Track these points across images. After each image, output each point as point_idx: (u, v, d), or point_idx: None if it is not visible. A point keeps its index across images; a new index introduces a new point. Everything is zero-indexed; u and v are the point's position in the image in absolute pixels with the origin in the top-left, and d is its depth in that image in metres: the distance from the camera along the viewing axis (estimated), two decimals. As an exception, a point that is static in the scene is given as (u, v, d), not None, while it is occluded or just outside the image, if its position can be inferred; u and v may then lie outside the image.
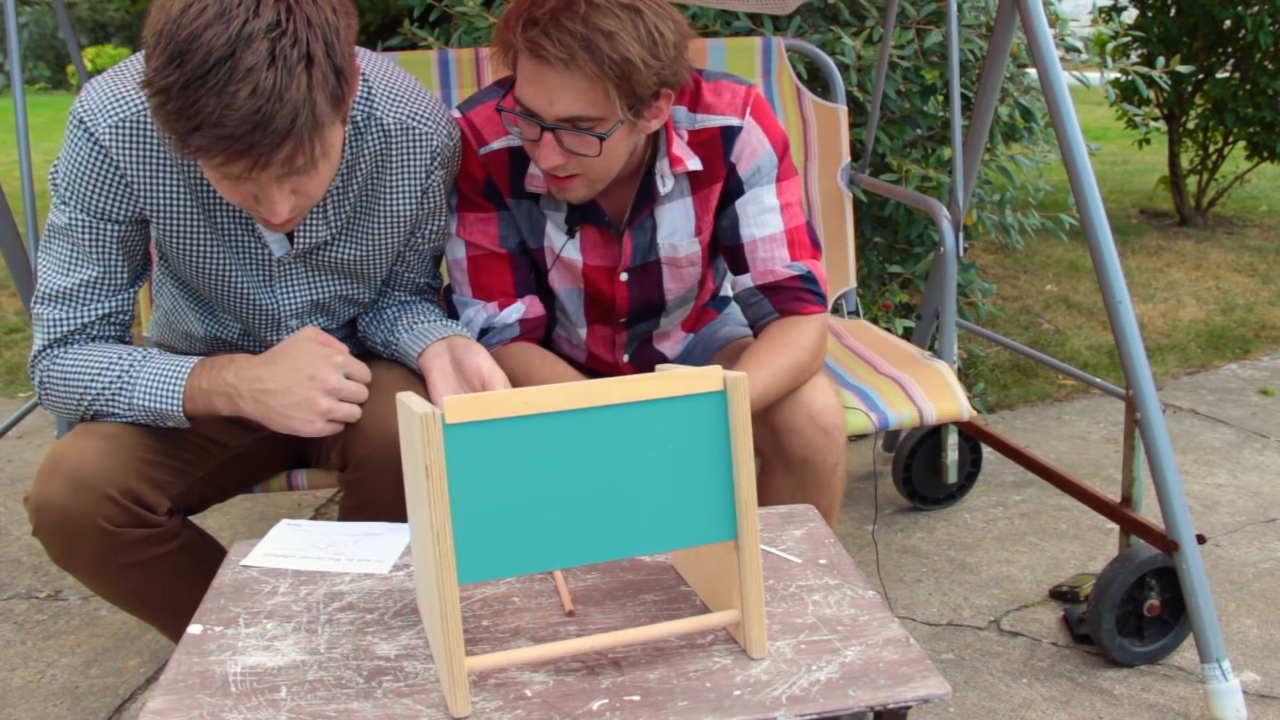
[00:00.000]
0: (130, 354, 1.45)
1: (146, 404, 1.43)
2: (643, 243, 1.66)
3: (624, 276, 1.68)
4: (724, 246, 1.68)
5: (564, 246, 1.65)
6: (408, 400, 1.02)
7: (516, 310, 1.65)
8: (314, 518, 2.65)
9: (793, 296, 1.62)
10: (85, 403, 1.45)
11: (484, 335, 1.65)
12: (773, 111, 1.64)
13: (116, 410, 1.44)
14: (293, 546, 1.29)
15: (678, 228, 1.66)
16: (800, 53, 2.52)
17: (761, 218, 1.62)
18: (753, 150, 1.61)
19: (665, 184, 1.60)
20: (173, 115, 1.18)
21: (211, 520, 2.56)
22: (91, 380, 1.44)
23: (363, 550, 1.28)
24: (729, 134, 1.60)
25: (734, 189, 1.63)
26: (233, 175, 1.25)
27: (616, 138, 1.46)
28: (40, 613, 2.19)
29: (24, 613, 2.19)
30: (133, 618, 2.11)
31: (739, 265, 1.65)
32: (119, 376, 1.44)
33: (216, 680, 1.03)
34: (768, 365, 1.55)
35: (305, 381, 1.41)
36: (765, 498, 1.64)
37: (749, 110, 1.60)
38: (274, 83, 1.16)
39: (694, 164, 1.59)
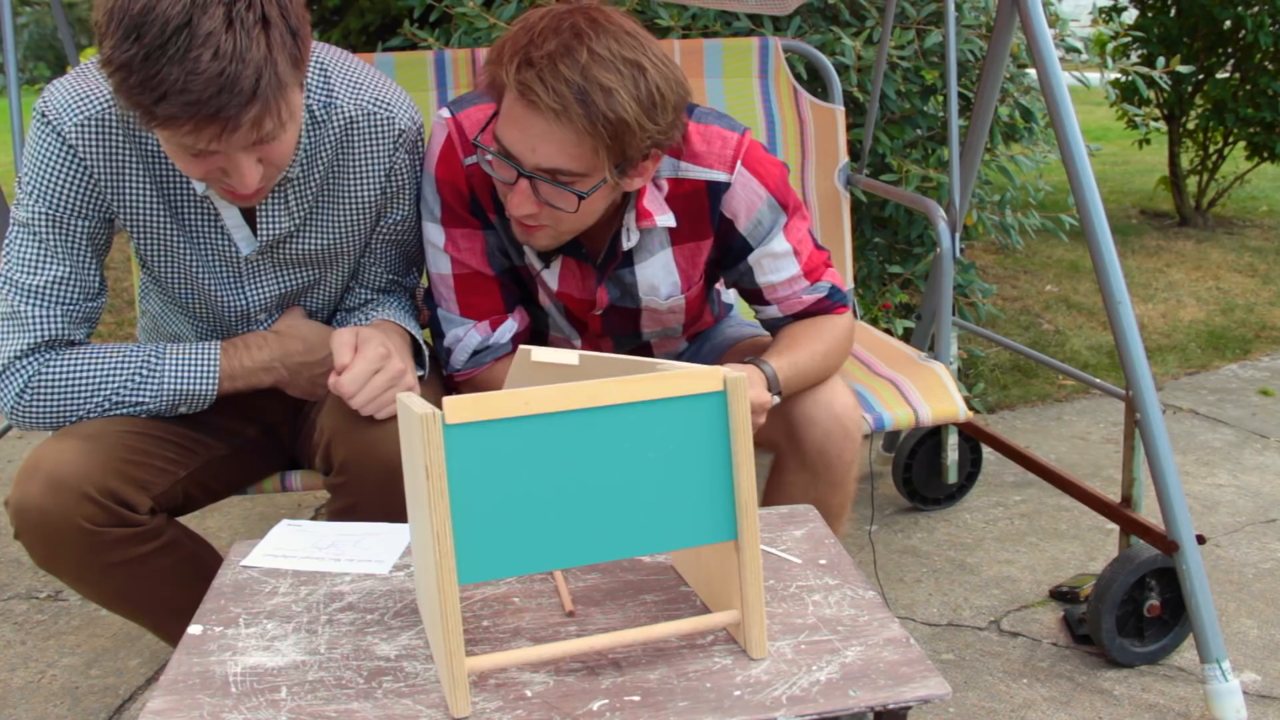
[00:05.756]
0: (142, 346, 1.48)
1: (177, 386, 1.46)
2: (617, 293, 1.62)
3: (599, 312, 1.65)
4: (740, 287, 1.65)
5: (542, 271, 1.61)
6: (408, 400, 1.02)
7: (510, 329, 1.62)
8: (314, 518, 2.65)
9: (820, 310, 1.64)
10: (98, 399, 1.44)
11: (478, 354, 1.62)
12: (765, 151, 1.57)
13: (141, 398, 1.46)
14: (293, 547, 1.29)
15: (659, 283, 1.61)
16: (798, 53, 2.52)
17: (777, 264, 1.59)
18: (749, 203, 1.54)
19: (630, 238, 1.53)
20: (136, 88, 1.17)
21: (211, 520, 2.57)
22: (111, 373, 1.44)
23: (363, 550, 1.28)
24: (715, 189, 1.53)
25: (737, 246, 1.58)
26: (199, 148, 1.24)
27: (597, 196, 1.40)
28: (40, 613, 2.19)
29: (24, 613, 2.19)
30: (133, 618, 2.12)
31: (760, 300, 1.64)
32: (144, 363, 1.45)
33: (216, 680, 1.03)
34: (804, 347, 1.56)
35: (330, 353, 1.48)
36: (779, 494, 1.64)
37: (740, 162, 1.52)
38: (234, 45, 1.16)
39: (665, 220, 1.52)
